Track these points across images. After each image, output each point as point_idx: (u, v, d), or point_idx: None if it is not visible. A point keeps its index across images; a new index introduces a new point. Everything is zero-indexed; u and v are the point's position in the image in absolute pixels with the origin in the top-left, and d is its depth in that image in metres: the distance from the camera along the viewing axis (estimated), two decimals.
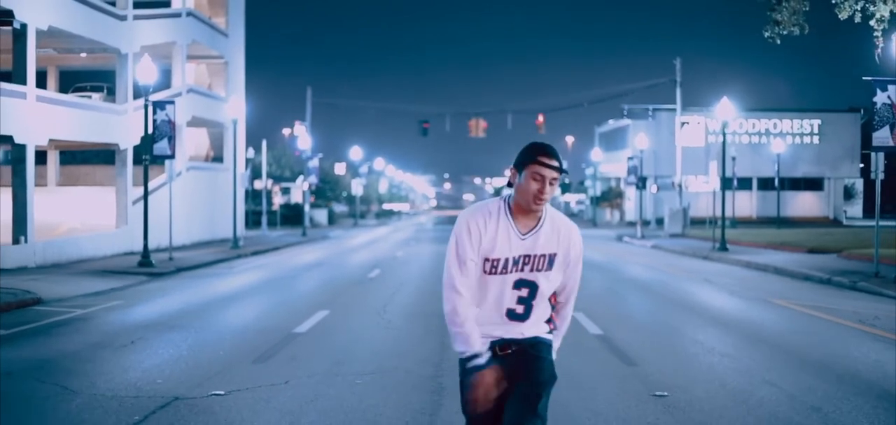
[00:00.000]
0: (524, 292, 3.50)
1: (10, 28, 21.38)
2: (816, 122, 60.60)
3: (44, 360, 8.83)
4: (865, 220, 57.33)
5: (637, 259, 25.41)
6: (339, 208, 75.01)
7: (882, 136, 17.52)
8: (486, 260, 3.48)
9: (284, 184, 66.39)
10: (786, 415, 6.46)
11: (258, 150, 51.19)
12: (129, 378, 7.87)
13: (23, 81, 21.72)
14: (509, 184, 3.55)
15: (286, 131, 71.36)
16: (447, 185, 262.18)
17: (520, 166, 3.47)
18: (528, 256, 3.48)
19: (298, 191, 64.32)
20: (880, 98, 17.46)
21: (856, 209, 66.70)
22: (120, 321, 11.89)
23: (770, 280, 18.70)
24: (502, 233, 3.48)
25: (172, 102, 22.70)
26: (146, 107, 21.55)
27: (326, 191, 67.84)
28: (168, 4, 32.23)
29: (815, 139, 60.53)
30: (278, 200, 62.33)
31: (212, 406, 6.75)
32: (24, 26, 21.60)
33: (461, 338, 3.47)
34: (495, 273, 3.48)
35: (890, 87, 17.37)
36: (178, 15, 31.49)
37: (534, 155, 3.44)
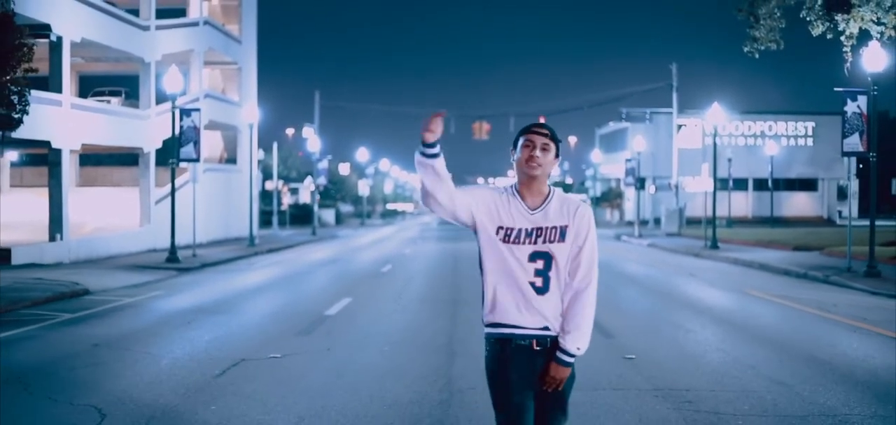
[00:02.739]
0: (540, 264, 3.68)
1: (46, 40, 23.05)
2: (810, 125, 62.17)
3: (118, 335, 10.50)
4: (860, 220, 58.52)
5: (632, 256, 26.92)
6: (346, 208, 76.41)
7: (853, 142, 19.08)
8: (500, 228, 3.68)
9: (292, 185, 67.78)
10: (726, 370, 8.14)
11: (268, 152, 52.62)
12: (197, 346, 9.57)
13: (58, 90, 23.33)
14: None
15: (290, 131, 72.86)
16: None
17: (516, 142, 3.76)
18: (540, 228, 3.68)
19: (306, 191, 65.81)
20: (850, 107, 19.01)
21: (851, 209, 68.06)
22: (168, 307, 13.54)
23: (752, 274, 20.26)
24: (514, 210, 3.71)
25: (198, 109, 24.10)
26: (173, 114, 23.01)
27: (333, 191, 69.36)
28: (184, 14, 33.88)
29: (809, 141, 62.10)
30: (287, 200, 63.74)
31: (273, 365, 8.45)
32: (59, 39, 23.26)
33: (420, 155, 3.61)
34: (509, 241, 3.66)
35: (859, 97, 18.94)
36: (195, 24, 33.12)
37: (526, 128, 3.76)
